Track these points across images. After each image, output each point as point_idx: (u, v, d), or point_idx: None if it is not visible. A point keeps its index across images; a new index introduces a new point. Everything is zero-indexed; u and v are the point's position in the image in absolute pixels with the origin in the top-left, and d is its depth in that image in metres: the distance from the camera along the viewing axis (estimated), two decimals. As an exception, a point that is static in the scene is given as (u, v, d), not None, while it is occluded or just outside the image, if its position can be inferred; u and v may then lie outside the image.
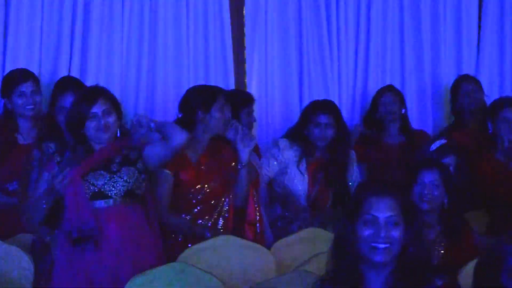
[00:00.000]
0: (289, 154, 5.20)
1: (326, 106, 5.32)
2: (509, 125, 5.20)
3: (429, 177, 4.17)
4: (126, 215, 3.95)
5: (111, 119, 3.93)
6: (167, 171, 4.44)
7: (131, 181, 3.94)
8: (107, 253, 3.81)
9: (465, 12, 6.71)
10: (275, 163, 5.19)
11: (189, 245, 4.20)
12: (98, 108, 3.91)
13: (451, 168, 4.58)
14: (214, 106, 4.49)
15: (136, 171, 3.97)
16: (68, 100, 4.39)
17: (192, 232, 4.43)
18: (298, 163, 5.18)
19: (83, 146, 3.98)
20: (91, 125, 3.93)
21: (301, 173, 5.19)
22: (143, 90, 6.10)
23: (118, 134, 4.00)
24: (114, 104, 4.01)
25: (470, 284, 3.07)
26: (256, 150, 5.23)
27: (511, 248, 2.26)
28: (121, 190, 3.91)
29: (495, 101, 5.56)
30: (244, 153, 4.51)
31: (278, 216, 5.18)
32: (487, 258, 2.39)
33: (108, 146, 3.93)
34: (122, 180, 3.91)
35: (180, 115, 4.63)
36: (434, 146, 4.82)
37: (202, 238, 4.33)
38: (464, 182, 5.17)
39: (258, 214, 4.72)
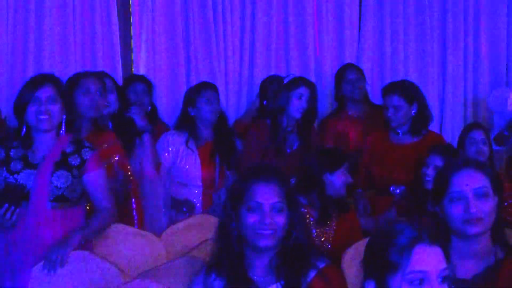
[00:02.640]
0: (178, 139, 5.23)
1: (210, 85, 5.42)
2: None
3: None
4: (58, 220, 3.78)
5: (55, 107, 3.74)
6: None
7: (63, 187, 3.76)
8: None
9: (347, 6, 6.90)
10: (166, 154, 5.21)
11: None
12: (41, 94, 3.74)
13: None
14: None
15: (71, 176, 3.78)
16: None
17: None
18: (187, 143, 5.19)
19: (22, 139, 3.82)
20: (32, 109, 3.74)
21: (192, 150, 5.20)
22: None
23: (63, 131, 3.83)
24: (62, 94, 3.84)
25: (353, 265, 3.26)
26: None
27: (400, 226, 2.29)
28: (51, 195, 3.74)
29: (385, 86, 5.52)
30: (138, 120, 4.84)
31: None
32: (379, 237, 2.40)
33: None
34: (53, 185, 3.73)
35: None
36: None
37: None
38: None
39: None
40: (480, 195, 2.79)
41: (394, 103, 5.13)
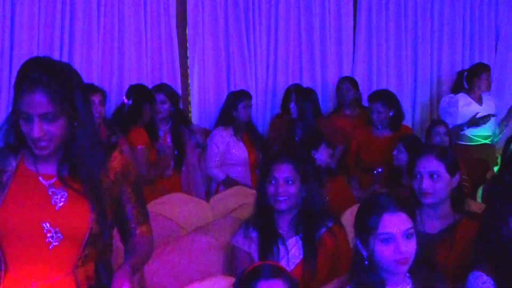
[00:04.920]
0: (225, 133, 5.11)
1: (246, 93, 5.38)
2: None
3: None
4: None
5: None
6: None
7: None
8: None
9: (344, 28, 6.79)
10: (216, 150, 5.06)
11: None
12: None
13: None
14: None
15: None
16: None
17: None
18: (235, 135, 5.09)
19: None
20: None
21: (238, 139, 5.10)
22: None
23: None
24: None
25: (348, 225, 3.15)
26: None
27: (374, 198, 2.29)
28: None
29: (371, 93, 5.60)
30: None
31: None
32: (362, 206, 2.40)
33: None
34: None
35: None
36: None
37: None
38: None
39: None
40: (433, 175, 2.81)
41: (378, 109, 5.20)
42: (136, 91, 4.87)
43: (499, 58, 7.39)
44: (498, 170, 4.36)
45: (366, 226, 2.26)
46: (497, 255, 2.33)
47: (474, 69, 6.40)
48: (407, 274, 2.29)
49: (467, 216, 2.88)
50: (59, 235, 1.90)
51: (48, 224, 1.90)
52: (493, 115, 6.17)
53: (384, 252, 2.23)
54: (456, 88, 6.35)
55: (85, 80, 5.19)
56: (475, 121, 6.04)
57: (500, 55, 7.40)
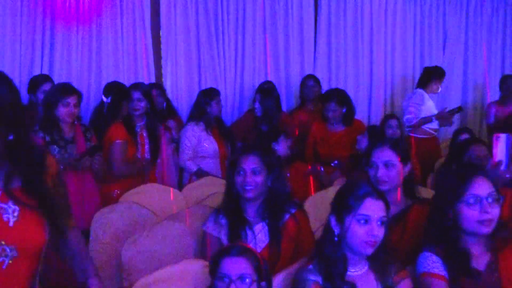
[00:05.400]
0: (197, 128, 5.07)
1: (217, 91, 5.35)
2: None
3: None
4: None
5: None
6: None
7: None
8: None
9: (306, 30, 6.83)
10: (189, 144, 5.04)
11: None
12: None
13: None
14: None
15: None
16: None
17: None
18: (206, 129, 5.06)
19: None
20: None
21: (208, 134, 5.07)
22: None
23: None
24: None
25: (310, 211, 3.19)
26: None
27: (360, 183, 2.33)
28: None
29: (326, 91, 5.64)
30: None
31: None
32: (345, 186, 2.42)
33: None
34: None
35: None
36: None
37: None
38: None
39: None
40: (387, 165, 2.85)
41: (332, 108, 5.21)
42: (114, 88, 4.82)
43: (447, 57, 7.48)
44: (446, 159, 4.41)
45: (347, 205, 2.28)
46: (444, 237, 2.36)
47: (439, 70, 6.45)
48: (364, 256, 2.32)
49: (417, 202, 2.90)
50: (14, 252, 1.69)
51: (3, 242, 1.68)
52: (461, 109, 6.26)
53: (358, 232, 2.25)
54: (421, 84, 6.40)
55: (65, 79, 5.26)
56: (444, 114, 6.10)
57: (447, 55, 7.49)
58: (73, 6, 5.82)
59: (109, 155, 4.33)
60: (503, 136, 3.84)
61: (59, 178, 1.90)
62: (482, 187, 2.32)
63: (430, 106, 6.23)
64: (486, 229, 2.32)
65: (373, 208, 2.26)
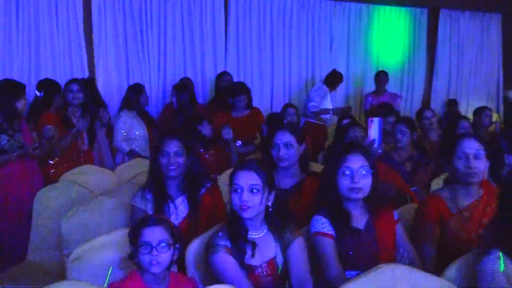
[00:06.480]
0: (130, 115, 5.08)
1: (143, 86, 5.30)
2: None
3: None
4: None
5: None
6: None
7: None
8: None
9: (218, 32, 6.78)
10: (123, 128, 5.02)
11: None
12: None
13: None
14: None
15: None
16: None
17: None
18: (137, 117, 5.08)
19: None
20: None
21: (139, 122, 5.07)
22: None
23: None
24: None
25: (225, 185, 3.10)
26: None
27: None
28: None
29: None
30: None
31: None
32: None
33: None
34: None
35: None
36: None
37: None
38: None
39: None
40: (287, 145, 2.87)
41: (241, 100, 5.27)
42: (45, 84, 4.74)
43: (333, 56, 7.63)
44: (332, 141, 4.51)
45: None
46: (330, 202, 2.42)
47: (341, 76, 6.66)
48: (264, 221, 2.33)
49: (311, 175, 2.95)
50: None
51: None
52: (350, 109, 6.52)
53: (233, 200, 2.25)
54: (327, 81, 6.57)
55: (8, 76, 5.05)
56: (338, 110, 6.33)
57: (333, 54, 7.64)
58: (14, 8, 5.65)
59: (42, 139, 4.21)
60: (376, 120, 4.01)
61: None
62: (354, 161, 2.37)
63: (328, 101, 6.48)
64: (355, 195, 2.36)
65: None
